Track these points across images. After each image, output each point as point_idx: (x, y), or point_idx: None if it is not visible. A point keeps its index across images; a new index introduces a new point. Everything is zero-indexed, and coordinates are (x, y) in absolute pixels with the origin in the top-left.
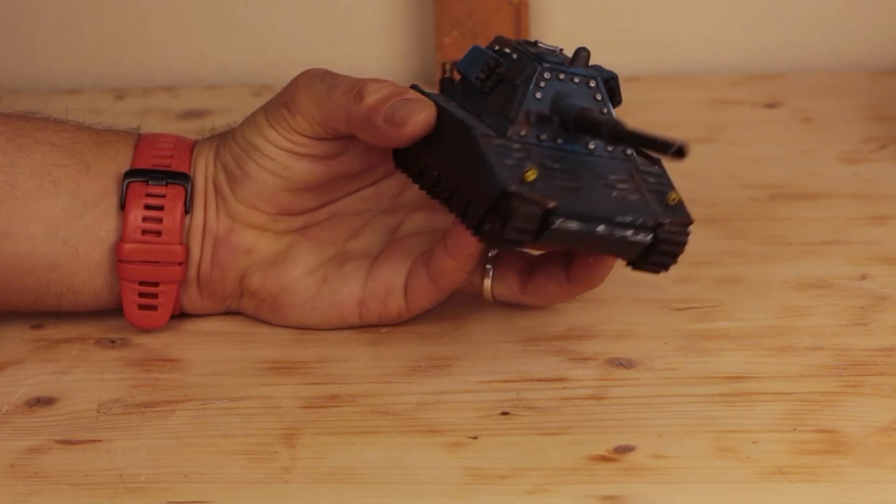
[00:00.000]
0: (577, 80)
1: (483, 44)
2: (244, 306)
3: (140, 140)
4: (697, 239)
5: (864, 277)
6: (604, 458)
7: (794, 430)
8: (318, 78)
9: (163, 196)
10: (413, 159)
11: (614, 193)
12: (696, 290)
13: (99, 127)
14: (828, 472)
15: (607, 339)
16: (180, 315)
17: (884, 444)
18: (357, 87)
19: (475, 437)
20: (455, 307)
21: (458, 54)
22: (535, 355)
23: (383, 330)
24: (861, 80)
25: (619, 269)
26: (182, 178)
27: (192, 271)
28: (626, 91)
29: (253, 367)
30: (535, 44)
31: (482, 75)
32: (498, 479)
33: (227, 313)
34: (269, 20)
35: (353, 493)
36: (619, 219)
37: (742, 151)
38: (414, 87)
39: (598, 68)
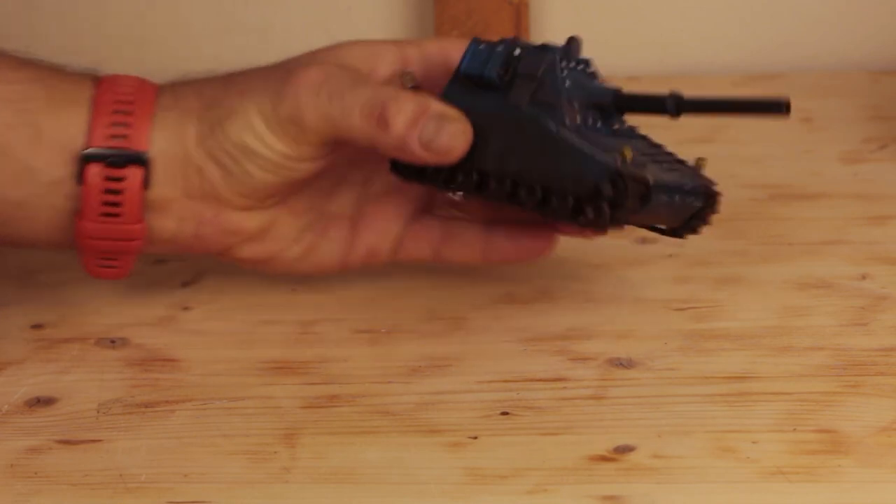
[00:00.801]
0: (580, 67)
1: None
2: (223, 260)
3: (96, 96)
4: (697, 239)
5: (864, 277)
6: (604, 458)
7: (794, 430)
8: (324, 91)
9: (122, 179)
10: (448, 172)
11: (665, 165)
12: (696, 290)
13: (53, 75)
14: (828, 472)
15: (607, 339)
16: (180, 316)
17: (884, 444)
18: (377, 110)
19: (475, 437)
20: (455, 307)
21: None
22: (535, 355)
23: (383, 330)
24: (861, 80)
25: (620, 269)
26: (141, 161)
27: (166, 235)
28: None
29: (253, 367)
30: (513, 41)
31: (502, 71)
32: (498, 479)
33: (228, 313)
34: (269, 20)
35: (353, 493)
36: (687, 187)
37: (742, 151)
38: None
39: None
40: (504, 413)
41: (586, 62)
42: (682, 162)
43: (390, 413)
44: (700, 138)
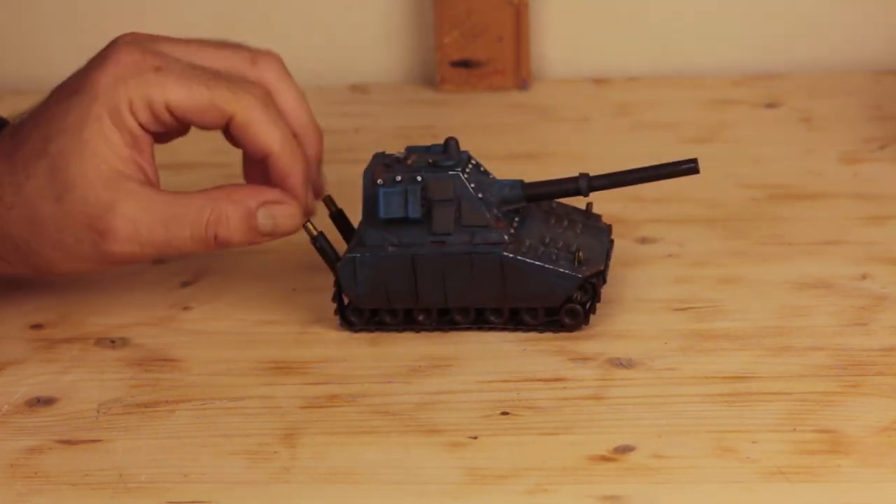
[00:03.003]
0: (470, 167)
1: (483, 45)
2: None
3: None
4: (697, 239)
5: (864, 277)
6: (604, 458)
7: (794, 430)
8: (143, 232)
9: None
10: (405, 316)
11: (568, 228)
12: (696, 290)
13: None
14: (828, 472)
15: (607, 339)
16: (180, 316)
17: (884, 444)
18: (210, 237)
19: (475, 437)
20: None
21: (458, 54)
22: (535, 355)
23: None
24: (861, 79)
25: (620, 269)
26: None
27: None
28: (626, 91)
29: (253, 367)
30: (401, 155)
31: (422, 209)
32: (498, 479)
33: (228, 313)
34: (269, 20)
35: (353, 493)
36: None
37: (742, 151)
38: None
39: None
40: (504, 413)
41: (469, 157)
42: (568, 212)
43: (390, 413)
44: (700, 138)
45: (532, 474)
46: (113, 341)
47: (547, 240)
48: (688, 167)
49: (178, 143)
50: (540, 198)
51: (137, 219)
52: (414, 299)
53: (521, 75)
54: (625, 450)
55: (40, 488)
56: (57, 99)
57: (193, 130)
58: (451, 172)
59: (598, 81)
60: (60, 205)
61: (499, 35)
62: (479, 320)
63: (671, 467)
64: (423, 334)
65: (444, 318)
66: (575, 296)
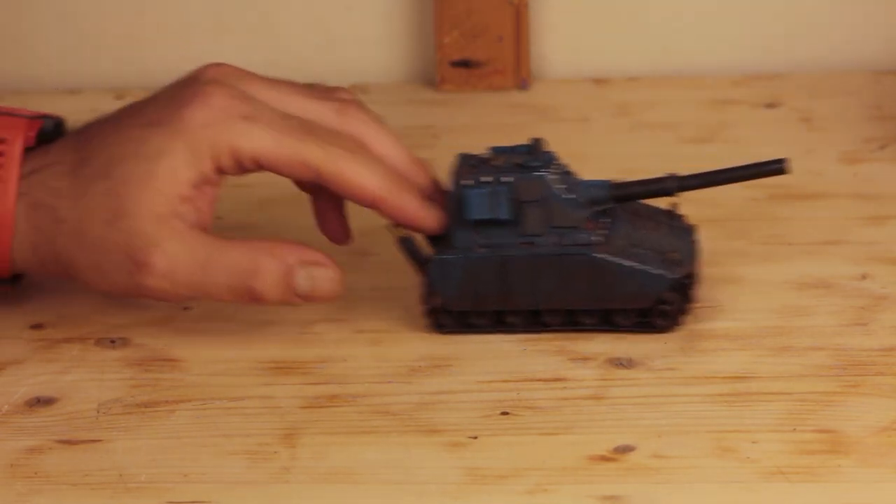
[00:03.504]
0: (554, 167)
1: (483, 45)
2: None
3: None
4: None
5: (864, 277)
6: (604, 458)
7: (794, 430)
8: (181, 275)
9: None
10: (495, 317)
11: (653, 230)
12: (696, 290)
13: None
14: (828, 472)
15: (607, 339)
16: (180, 316)
17: (884, 444)
18: (245, 291)
19: (475, 437)
20: None
21: (458, 54)
22: (535, 355)
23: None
24: (861, 79)
25: None
26: None
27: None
28: (626, 91)
29: (253, 367)
30: (486, 156)
31: (511, 210)
32: (498, 479)
33: (228, 313)
34: (269, 20)
35: (353, 493)
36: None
37: (742, 151)
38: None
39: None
40: (504, 413)
41: (555, 158)
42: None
43: (390, 413)
44: (700, 138)
45: (532, 474)
46: (113, 341)
47: (636, 240)
48: (776, 167)
49: None
50: (628, 198)
51: (177, 258)
52: (504, 301)
53: (521, 75)
54: (625, 450)
55: (40, 488)
56: (137, 124)
57: None
58: (539, 173)
59: (598, 81)
60: (108, 229)
61: (499, 35)
62: (570, 322)
63: (671, 467)
64: (423, 334)
65: (535, 320)
66: (667, 297)
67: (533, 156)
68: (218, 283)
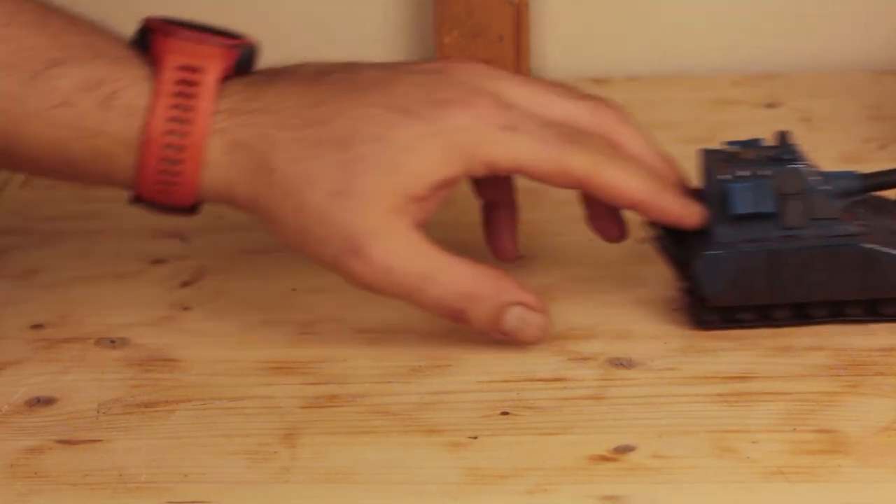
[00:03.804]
0: (798, 159)
1: (483, 45)
2: None
3: (150, 109)
4: None
5: None
6: (604, 458)
7: (794, 430)
8: (395, 280)
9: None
10: (762, 313)
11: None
12: None
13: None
14: (828, 472)
15: (607, 339)
16: (180, 316)
17: (884, 444)
18: (455, 312)
19: (475, 437)
20: None
21: (459, 54)
22: (536, 355)
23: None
24: (861, 79)
25: (620, 269)
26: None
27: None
28: (626, 91)
29: (253, 367)
30: (732, 150)
31: (774, 203)
32: (498, 479)
33: (228, 313)
34: (269, 20)
35: (353, 493)
36: None
37: None
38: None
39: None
40: (504, 413)
41: (801, 151)
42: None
43: (390, 413)
44: (700, 138)
45: (532, 474)
46: (113, 341)
47: (893, 229)
48: None
49: None
50: (880, 188)
51: (397, 257)
52: (772, 295)
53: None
54: (625, 450)
55: (40, 488)
56: (385, 105)
57: None
58: (796, 166)
59: (599, 81)
60: (330, 202)
61: (499, 35)
62: (836, 313)
63: (671, 467)
64: (423, 334)
65: (800, 313)
66: None
67: (783, 149)
68: (431, 296)
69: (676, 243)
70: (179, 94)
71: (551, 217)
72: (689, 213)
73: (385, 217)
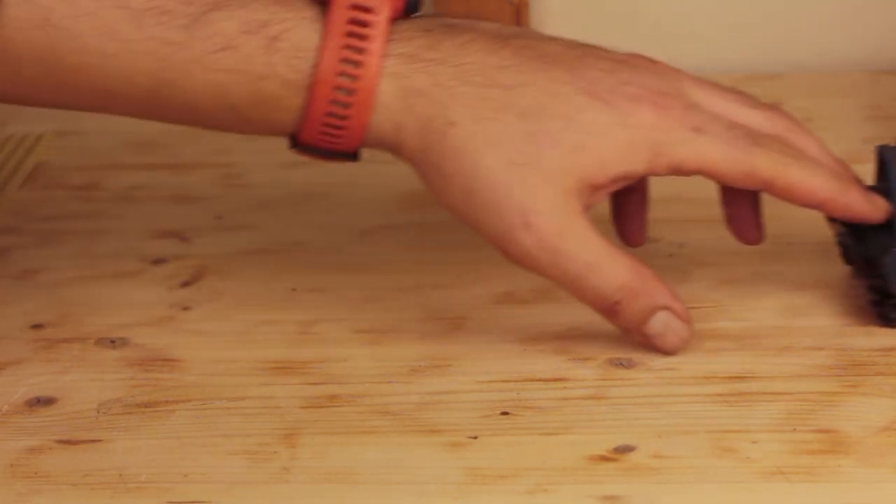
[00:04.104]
0: None
1: None
2: None
3: (311, 89)
4: (698, 239)
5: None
6: (604, 458)
7: (794, 430)
8: (546, 260)
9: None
10: None
11: None
12: (696, 290)
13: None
14: (828, 472)
15: (607, 339)
16: (180, 316)
17: (884, 444)
18: (609, 303)
19: (475, 437)
20: (455, 307)
21: None
22: (535, 355)
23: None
24: (861, 80)
25: None
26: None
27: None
28: None
29: (253, 367)
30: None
31: None
32: (498, 479)
33: (228, 313)
34: None
35: (353, 493)
36: None
37: None
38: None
39: None
40: (504, 413)
41: None
42: None
43: (390, 413)
44: None
45: (532, 474)
46: (113, 341)
47: None
48: None
49: (178, 143)
50: None
51: (568, 242)
52: None
53: None
54: (625, 450)
55: (40, 488)
56: (574, 86)
57: (192, 131)
58: None
59: None
60: (509, 171)
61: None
62: None
63: (671, 467)
64: (423, 334)
65: None
66: None
67: None
68: (592, 285)
69: (860, 241)
70: (351, 35)
71: None
72: (875, 209)
73: (563, 197)
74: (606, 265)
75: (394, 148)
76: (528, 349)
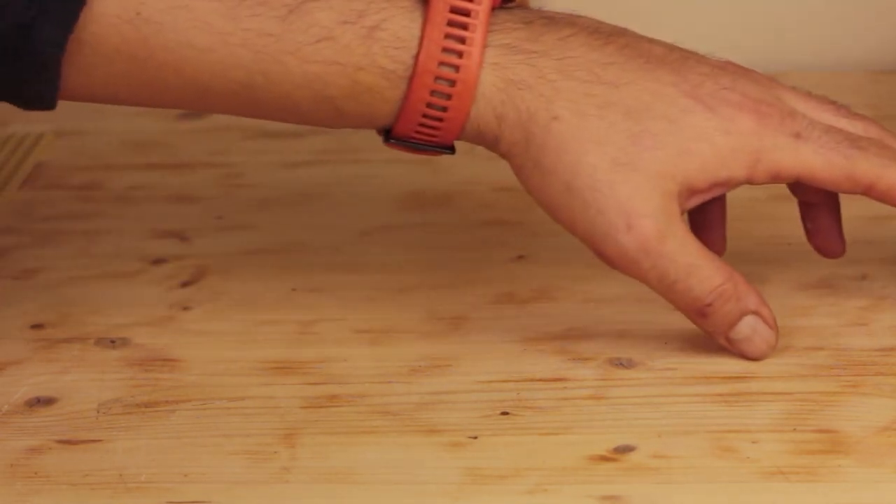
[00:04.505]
0: None
1: None
2: None
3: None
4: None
5: (864, 277)
6: (604, 458)
7: (794, 430)
8: (650, 263)
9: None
10: None
11: None
12: None
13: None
14: (828, 472)
15: (607, 339)
16: (180, 316)
17: (884, 444)
18: (699, 305)
19: (475, 437)
20: (455, 307)
21: None
22: (535, 355)
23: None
24: (861, 80)
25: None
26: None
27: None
28: None
29: (253, 367)
30: None
31: None
32: (498, 479)
33: (228, 313)
34: None
35: (353, 493)
36: None
37: None
38: None
39: None
40: (504, 413)
41: None
42: None
43: (390, 413)
44: None
45: (532, 474)
46: (113, 341)
47: None
48: None
49: (178, 142)
50: None
51: (670, 244)
52: None
53: None
54: (625, 450)
55: (40, 488)
56: (675, 85)
57: (192, 131)
58: None
59: None
60: (613, 170)
61: None
62: None
63: (671, 467)
64: (423, 334)
65: None
66: None
67: None
68: (688, 288)
69: None
70: (452, 24)
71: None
72: None
73: (665, 199)
74: (704, 268)
75: (491, 141)
76: (528, 349)
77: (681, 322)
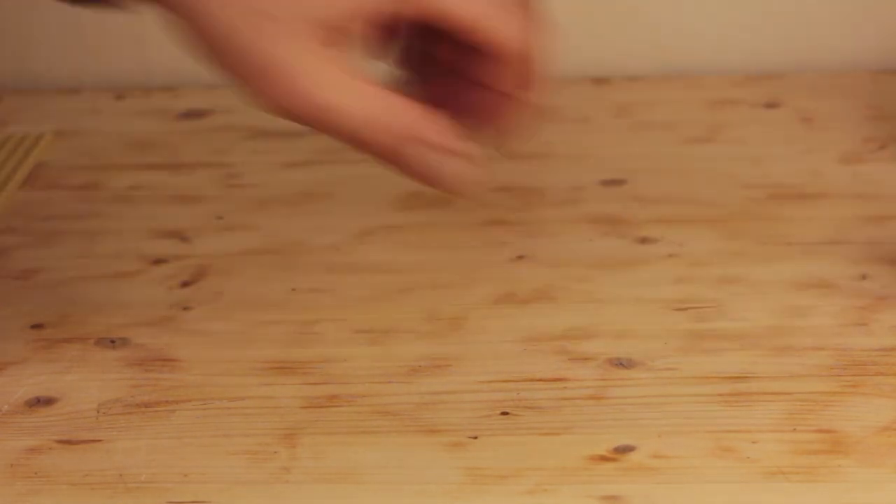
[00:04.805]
0: None
1: None
2: None
3: None
4: (697, 239)
5: (864, 277)
6: (604, 458)
7: (794, 430)
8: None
9: None
10: None
11: None
12: (696, 290)
13: None
14: (828, 472)
15: (607, 339)
16: (180, 316)
17: (884, 444)
18: (391, 153)
19: (475, 437)
20: (455, 307)
21: None
22: (535, 355)
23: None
24: (861, 80)
25: (620, 269)
26: None
27: None
28: (626, 91)
29: (253, 367)
30: None
31: None
32: (498, 479)
33: (228, 313)
34: None
35: (353, 493)
36: None
37: (742, 151)
38: None
39: None
40: (504, 413)
41: None
42: None
43: (390, 413)
44: (700, 138)
45: (532, 474)
46: (113, 341)
47: None
48: None
49: (178, 142)
50: None
51: (334, 93)
52: None
53: None
54: (625, 450)
55: (40, 488)
56: None
57: (192, 131)
58: None
59: (598, 81)
60: (243, 20)
61: None
62: None
63: (671, 467)
64: (423, 334)
65: None
66: None
67: None
68: (369, 134)
69: None
70: None
71: (551, 217)
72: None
73: (305, 44)
74: (386, 113)
75: None
76: (528, 349)
77: (681, 322)
